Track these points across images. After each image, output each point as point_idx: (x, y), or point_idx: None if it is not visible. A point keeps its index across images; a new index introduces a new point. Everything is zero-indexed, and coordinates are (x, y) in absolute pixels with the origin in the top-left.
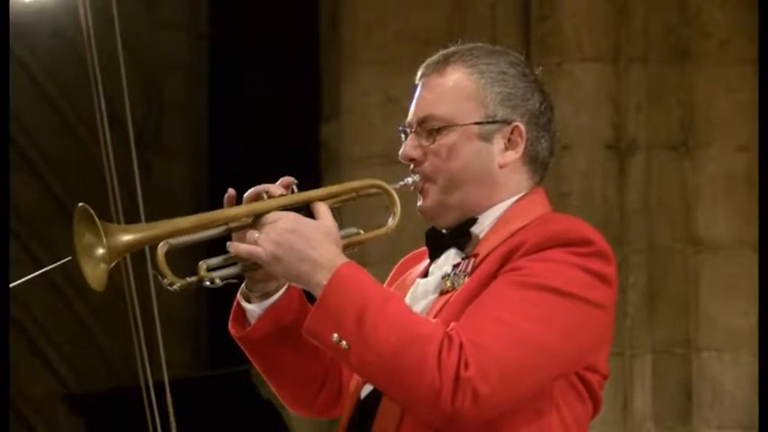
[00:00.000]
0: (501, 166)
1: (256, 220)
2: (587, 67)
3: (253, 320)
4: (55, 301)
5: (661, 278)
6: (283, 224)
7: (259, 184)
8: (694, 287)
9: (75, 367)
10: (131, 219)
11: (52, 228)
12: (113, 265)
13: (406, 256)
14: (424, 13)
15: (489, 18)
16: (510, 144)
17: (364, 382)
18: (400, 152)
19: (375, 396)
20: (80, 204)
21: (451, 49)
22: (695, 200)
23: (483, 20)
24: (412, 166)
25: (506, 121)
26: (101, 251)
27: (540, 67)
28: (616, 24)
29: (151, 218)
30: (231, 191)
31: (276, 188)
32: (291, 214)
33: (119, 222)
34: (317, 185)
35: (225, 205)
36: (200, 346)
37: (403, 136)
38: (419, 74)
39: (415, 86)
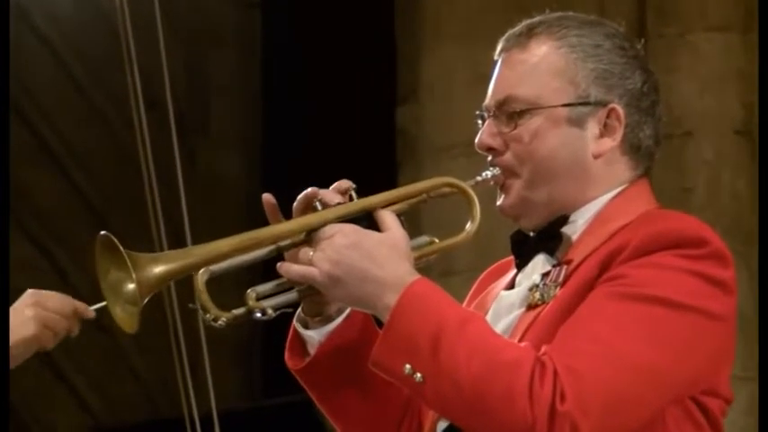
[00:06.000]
0: (595, 156)
1: (309, 236)
2: (712, 38)
3: (313, 350)
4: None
5: None
6: (341, 239)
7: (320, 178)
8: None
9: (106, 396)
10: (172, 218)
11: (76, 229)
12: (144, 303)
13: (490, 268)
14: None
15: None
16: (606, 130)
17: (440, 416)
18: (476, 140)
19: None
20: (102, 233)
21: (536, 18)
22: None
23: None
24: (490, 158)
25: (601, 103)
26: (130, 287)
27: (643, 41)
28: None
29: (195, 217)
30: (267, 197)
31: (330, 195)
32: (350, 226)
33: (157, 225)
34: (393, 180)
35: (268, 216)
36: (253, 371)
37: (480, 122)
38: (498, 48)
39: (495, 63)
